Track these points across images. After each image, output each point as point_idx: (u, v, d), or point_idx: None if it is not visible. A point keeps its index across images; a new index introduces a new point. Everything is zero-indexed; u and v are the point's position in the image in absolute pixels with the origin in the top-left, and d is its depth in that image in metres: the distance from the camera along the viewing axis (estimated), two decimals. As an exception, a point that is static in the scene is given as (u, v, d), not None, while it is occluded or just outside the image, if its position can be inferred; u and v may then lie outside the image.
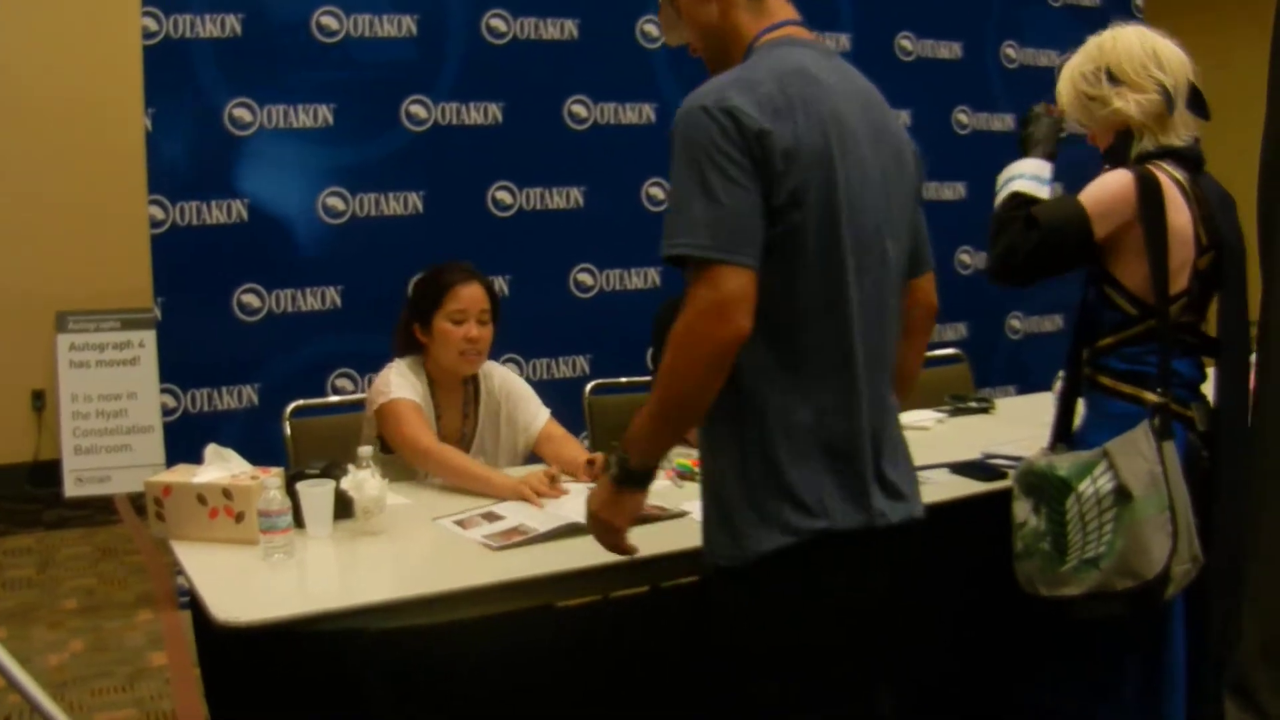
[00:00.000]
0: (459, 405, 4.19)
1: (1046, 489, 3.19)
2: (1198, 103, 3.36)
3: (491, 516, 3.53)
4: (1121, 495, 3.09)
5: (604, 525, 2.62)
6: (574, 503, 3.54)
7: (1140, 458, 3.11)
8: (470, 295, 4.06)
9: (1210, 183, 3.34)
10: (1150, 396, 3.21)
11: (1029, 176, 3.29)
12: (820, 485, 2.51)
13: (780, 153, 2.39)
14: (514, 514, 3.53)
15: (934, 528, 3.47)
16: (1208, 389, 3.32)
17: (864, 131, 2.57)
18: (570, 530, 3.30)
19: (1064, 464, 3.18)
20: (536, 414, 4.26)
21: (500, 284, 4.57)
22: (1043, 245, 3.15)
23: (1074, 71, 3.39)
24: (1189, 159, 3.32)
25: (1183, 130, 3.32)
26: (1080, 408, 3.42)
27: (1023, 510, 3.26)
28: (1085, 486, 3.12)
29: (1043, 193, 3.25)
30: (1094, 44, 3.39)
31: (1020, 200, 3.24)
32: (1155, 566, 3.08)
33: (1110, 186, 3.21)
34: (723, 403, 2.46)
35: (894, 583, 2.70)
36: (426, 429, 3.96)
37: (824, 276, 2.49)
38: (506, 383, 4.28)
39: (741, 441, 2.52)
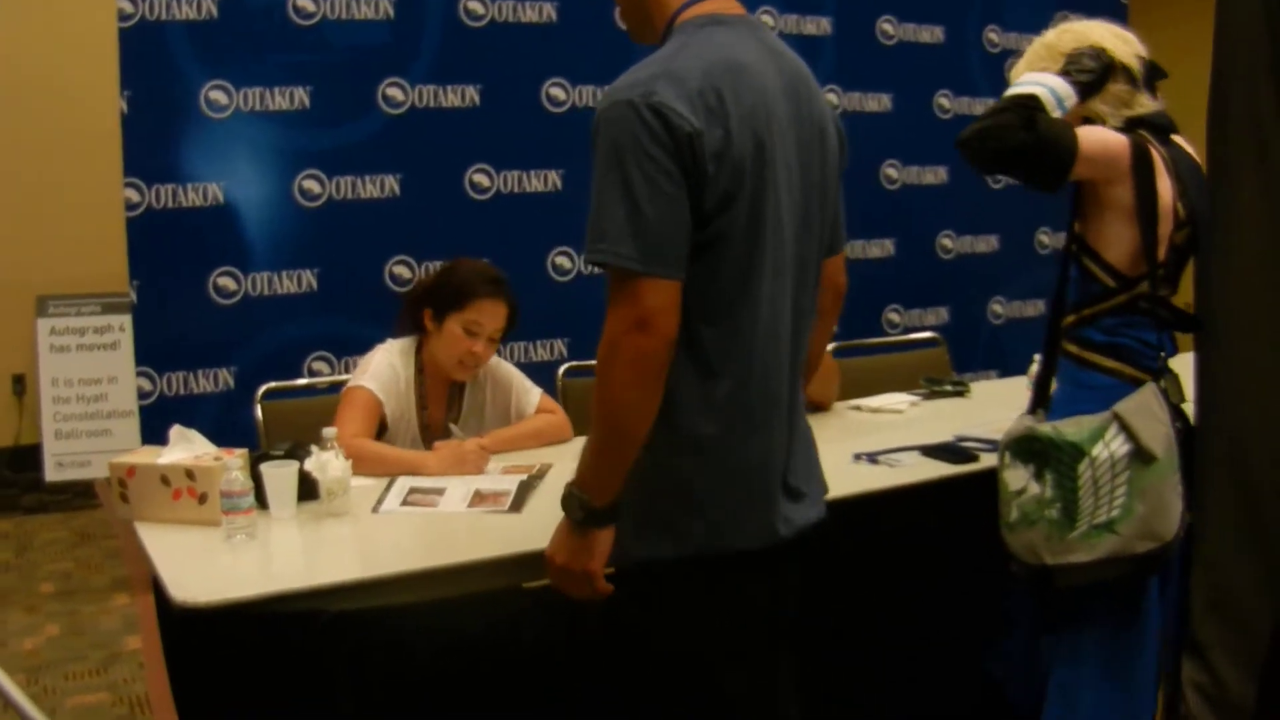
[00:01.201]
0: (444, 396, 4.18)
1: (1053, 454, 3.16)
2: (1153, 73, 3.37)
3: (435, 490, 3.54)
4: (1140, 458, 3.09)
5: (575, 575, 2.50)
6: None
7: (1157, 420, 3.13)
8: (493, 312, 4.04)
9: (1180, 152, 3.34)
10: (1128, 369, 3.23)
11: (1051, 90, 3.15)
12: (723, 500, 2.48)
13: (710, 156, 2.33)
14: (458, 484, 3.58)
15: (905, 509, 3.51)
16: (1176, 364, 3.32)
17: (790, 122, 2.52)
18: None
19: (1070, 429, 3.16)
20: (526, 397, 4.27)
21: (463, 258, 4.55)
22: (1025, 149, 3.07)
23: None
24: (1160, 127, 3.32)
25: (1147, 101, 3.32)
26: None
27: (1019, 477, 3.22)
28: (1099, 450, 3.11)
29: (1055, 113, 3.17)
30: (1041, 46, 3.39)
31: (1032, 102, 3.12)
32: (1174, 528, 3.12)
33: (1108, 139, 3.18)
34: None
35: (797, 587, 2.72)
36: (360, 423, 3.91)
37: (742, 281, 2.44)
38: (494, 371, 4.26)
39: (648, 446, 2.42)
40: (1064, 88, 3.16)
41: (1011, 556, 3.24)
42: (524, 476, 3.62)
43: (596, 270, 2.35)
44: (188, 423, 3.58)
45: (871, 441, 4.02)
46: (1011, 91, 3.19)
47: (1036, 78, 3.20)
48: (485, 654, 2.98)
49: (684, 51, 2.42)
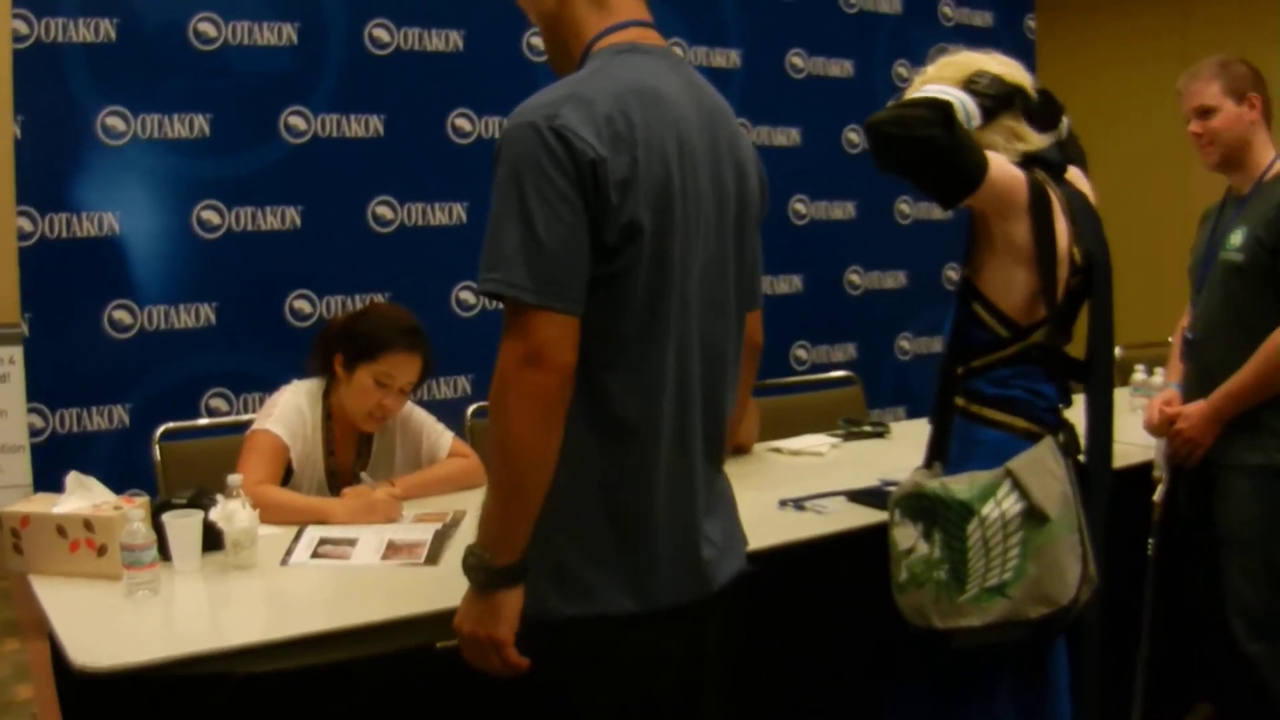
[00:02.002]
0: (353, 441, 4.02)
1: (941, 513, 3.01)
2: (1047, 106, 3.23)
3: (346, 541, 3.41)
4: (1033, 518, 2.94)
5: (484, 643, 2.33)
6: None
7: (1052, 477, 2.98)
8: (406, 367, 3.88)
9: (1073, 191, 3.21)
10: (1020, 422, 3.11)
11: (960, 103, 2.98)
12: (634, 555, 2.35)
13: (615, 185, 2.19)
14: (371, 534, 3.45)
15: (834, 557, 3.41)
16: (1071, 415, 3.22)
17: (707, 158, 2.40)
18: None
19: (960, 485, 3.01)
20: (438, 441, 4.12)
21: (379, 301, 4.46)
22: (939, 149, 2.89)
23: None
24: (1053, 164, 3.19)
25: (1038, 135, 3.18)
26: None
27: (908, 536, 3.07)
28: (989, 510, 2.95)
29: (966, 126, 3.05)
30: (921, 83, 3.18)
31: (946, 107, 2.94)
32: (1070, 591, 2.95)
33: (1010, 171, 3.03)
34: None
35: (719, 644, 2.59)
36: (265, 469, 3.74)
37: (647, 323, 2.30)
38: (404, 415, 4.10)
39: (555, 493, 2.26)
40: (971, 104, 3.01)
41: (902, 619, 3.12)
42: (439, 525, 3.49)
43: (499, 304, 2.23)
44: (81, 462, 3.47)
45: (795, 487, 3.92)
46: (919, 94, 3.04)
47: (943, 88, 3.04)
48: (403, 717, 2.85)
49: (596, 76, 2.31)
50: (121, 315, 5.38)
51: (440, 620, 2.77)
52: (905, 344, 7.78)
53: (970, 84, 3.05)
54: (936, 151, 2.90)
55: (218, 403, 5.58)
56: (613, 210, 2.20)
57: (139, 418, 5.34)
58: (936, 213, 7.83)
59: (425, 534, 3.40)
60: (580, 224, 2.18)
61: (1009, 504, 2.96)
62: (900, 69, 7.65)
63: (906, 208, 7.75)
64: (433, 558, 3.25)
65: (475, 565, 2.28)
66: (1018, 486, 2.96)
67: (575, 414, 2.26)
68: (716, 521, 2.51)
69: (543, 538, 2.29)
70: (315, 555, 3.30)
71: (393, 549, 3.30)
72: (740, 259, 2.52)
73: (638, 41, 2.42)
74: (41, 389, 5.30)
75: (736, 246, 2.50)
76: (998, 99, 3.07)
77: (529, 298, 2.14)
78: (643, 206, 2.23)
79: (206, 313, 5.57)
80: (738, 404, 2.66)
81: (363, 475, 3.87)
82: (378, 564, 3.23)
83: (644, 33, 2.45)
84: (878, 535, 3.25)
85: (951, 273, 7.87)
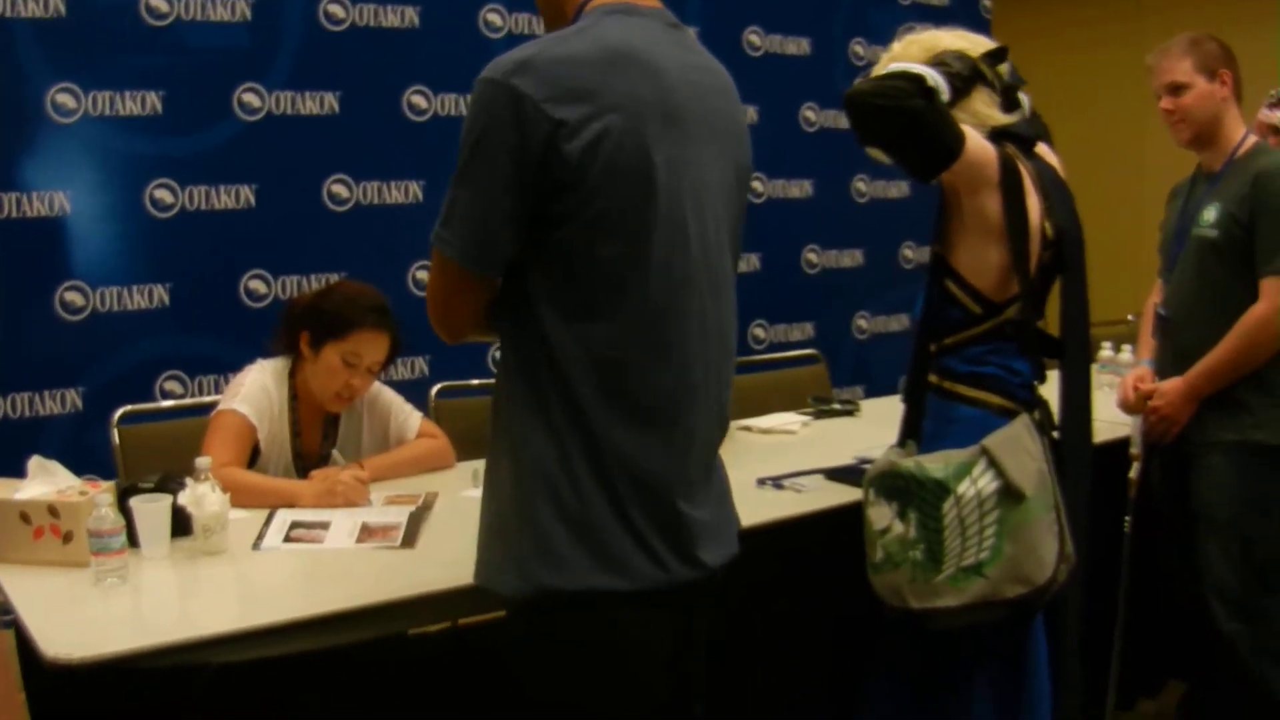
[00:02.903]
0: (319, 422, 3.94)
1: (916, 491, 2.97)
2: (1013, 81, 3.19)
3: (319, 524, 3.34)
4: (1009, 496, 2.91)
5: None
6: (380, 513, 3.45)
7: (1028, 455, 2.95)
8: (374, 346, 3.81)
9: (1044, 165, 3.18)
10: (995, 399, 3.07)
11: (933, 78, 2.94)
12: (620, 541, 2.29)
13: (575, 150, 2.14)
14: (344, 517, 3.39)
15: (814, 535, 3.36)
16: (1044, 391, 3.19)
17: (701, 127, 2.32)
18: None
19: (935, 464, 2.97)
20: (407, 421, 4.06)
21: (332, 281, 4.39)
22: (920, 119, 2.87)
23: None
24: (1023, 139, 3.16)
25: (999, 113, 3.14)
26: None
27: (883, 516, 3.03)
28: (965, 488, 2.92)
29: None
30: (888, 60, 3.16)
31: (920, 81, 2.92)
32: (1046, 570, 2.93)
33: (983, 144, 3.00)
34: (528, 424, 2.28)
35: (705, 629, 2.56)
36: (231, 450, 3.66)
37: (618, 287, 2.25)
38: (371, 395, 4.03)
39: (536, 467, 2.28)
40: (941, 81, 2.97)
41: (879, 600, 3.08)
42: (413, 508, 3.43)
43: None
44: (35, 447, 3.36)
45: (770, 465, 3.90)
46: (891, 69, 3.00)
47: (912, 65, 3.00)
48: (381, 706, 2.78)
49: (577, 35, 2.26)
50: (73, 297, 5.27)
51: (419, 605, 2.74)
52: (863, 323, 7.75)
53: (938, 61, 3.03)
54: (919, 122, 2.88)
55: (172, 385, 5.48)
56: (572, 175, 2.16)
57: (92, 402, 5.25)
58: (893, 191, 7.83)
59: (400, 516, 3.34)
60: (518, 190, 2.16)
61: (985, 482, 2.93)
62: (857, 47, 7.63)
63: (863, 186, 7.72)
64: (409, 540, 3.18)
65: None
66: (993, 465, 2.93)
67: (560, 385, 2.24)
68: (708, 504, 2.45)
69: (527, 513, 2.27)
70: (288, 539, 3.23)
71: (367, 532, 3.24)
72: (734, 232, 2.47)
73: (632, 2, 2.35)
74: (-8, 373, 5.18)
75: (731, 220, 2.45)
76: (966, 76, 3.04)
77: (448, 251, 2.24)
78: (611, 174, 2.17)
79: (160, 294, 5.47)
80: None
81: (334, 453, 3.78)
82: (352, 547, 3.16)
83: None
84: (858, 513, 3.21)
85: (909, 251, 7.87)
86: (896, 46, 3.19)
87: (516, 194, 2.15)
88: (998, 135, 3.10)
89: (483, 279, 2.27)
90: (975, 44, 3.15)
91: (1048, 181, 3.13)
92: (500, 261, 2.24)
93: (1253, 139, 3.97)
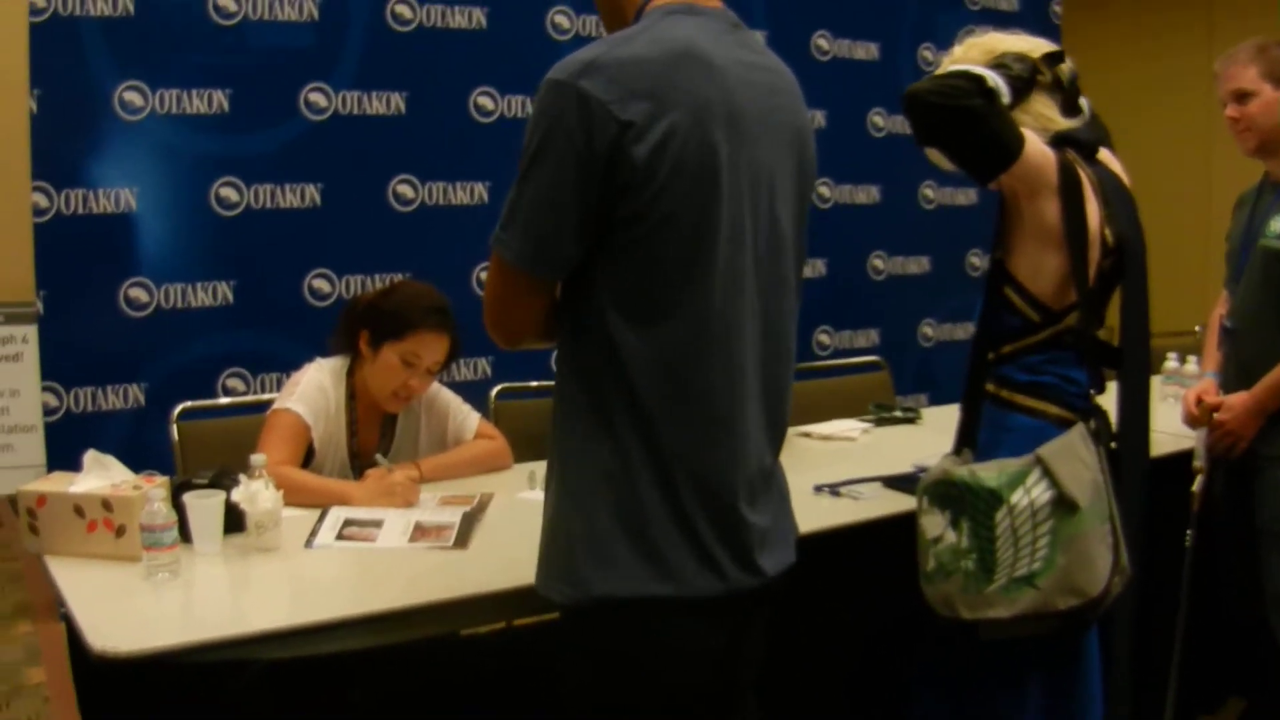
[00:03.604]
0: (377, 421, 3.95)
1: (970, 500, 2.93)
2: (1075, 86, 3.14)
3: (372, 523, 3.34)
4: (1062, 506, 2.86)
5: None
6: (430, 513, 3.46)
7: (1083, 465, 2.90)
8: (434, 345, 3.81)
9: (1106, 173, 3.12)
10: (1053, 409, 3.03)
11: (994, 78, 2.92)
12: (676, 547, 2.26)
13: (643, 151, 2.12)
14: (397, 516, 3.39)
15: (869, 543, 3.34)
16: (1103, 401, 3.14)
17: (763, 127, 2.31)
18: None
19: (989, 473, 2.93)
20: (465, 422, 4.06)
21: (393, 281, 4.39)
22: (980, 118, 2.85)
23: None
24: (1084, 144, 3.11)
25: (1060, 117, 3.10)
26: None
27: (936, 524, 3.00)
28: (1018, 498, 2.87)
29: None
30: (949, 63, 3.11)
31: (981, 81, 2.90)
32: (1099, 582, 2.87)
33: (1043, 148, 2.97)
34: (589, 428, 2.27)
35: (762, 635, 2.55)
36: (286, 449, 3.68)
37: (683, 291, 2.23)
38: (429, 395, 4.03)
39: (595, 471, 2.27)
40: (1001, 83, 2.94)
41: (930, 609, 3.05)
42: (466, 508, 3.42)
43: None
44: (96, 442, 3.37)
45: (828, 472, 3.87)
46: (954, 69, 2.97)
47: (972, 66, 2.97)
48: (430, 706, 2.77)
49: (640, 35, 2.24)
50: (138, 293, 5.30)
51: (469, 606, 2.73)
52: (928, 330, 7.70)
53: (998, 63, 2.99)
54: (979, 122, 2.85)
55: (234, 383, 5.51)
56: (641, 174, 2.13)
57: (154, 398, 5.27)
58: (961, 198, 7.77)
59: (453, 516, 3.33)
60: (585, 192, 2.14)
61: (1038, 492, 2.88)
62: (925, 52, 7.58)
63: (931, 193, 7.67)
64: (461, 541, 3.17)
65: None
66: (1047, 474, 2.88)
67: (623, 389, 2.22)
68: (766, 510, 2.42)
69: (585, 518, 2.26)
70: (340, 537, 3.23)
71: (420, 531, 3.24)
72: (798, 234, 2.44)
73: (694, 3, 2.33)
74: (56, 368, 5.23)
75: (795, 221, 2.42)
76: (1026, 78, 3.00)
77: (508, 255, 2.21)
78: (678, 174, 2.16)
79: (224, 291, 5.49)
80: None
81: (378, 457, 3.78)
82: (405, 547, 3.16)
83: None
84: (914, 522, 3.18)
85: (975, 259, 7.81)
86: (958, 50, 3.15)
87: (580, 196, 2.13)
88: (1058, 140, 3.06)
89: (542, 282, 2.25)
90: (1036, 47, 3.10)
91: (1109, 188, 3.08)
92: (561, 265, 2.22)
93: None
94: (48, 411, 5.17)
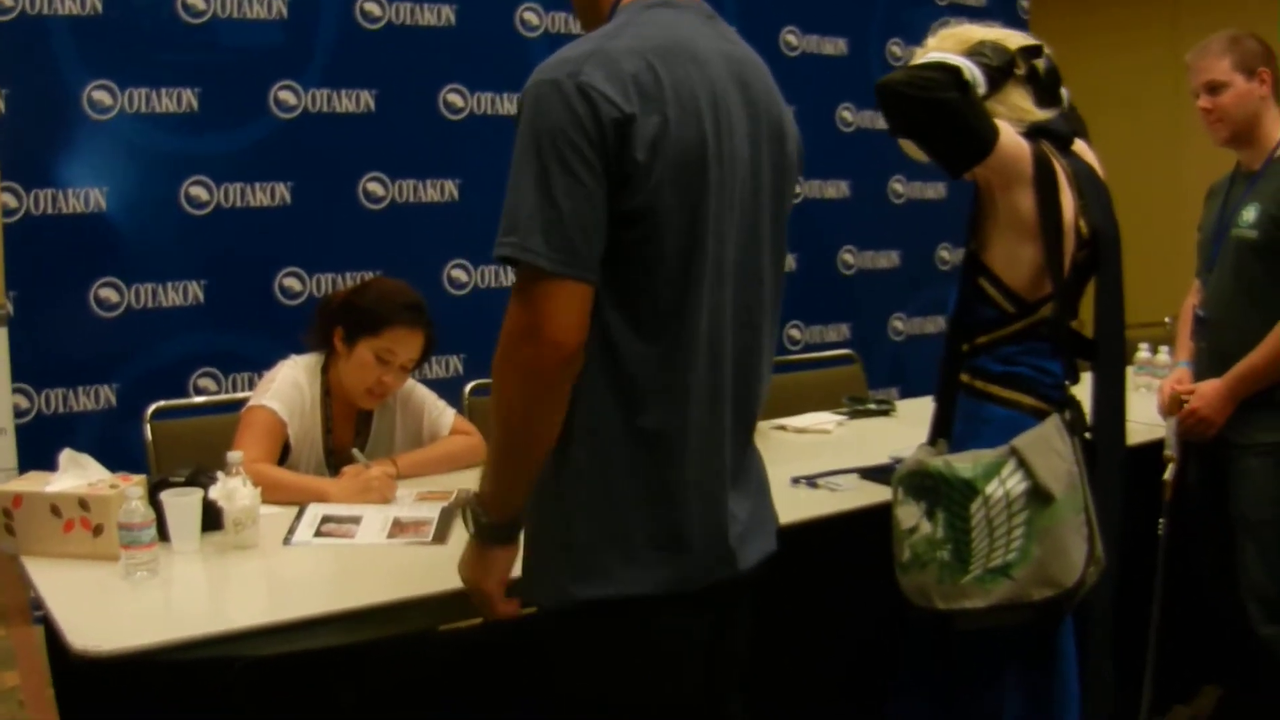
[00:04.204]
0: (351, 419, 3.93)
1: (944, 491, 2.93)
2: (1051, 77, 3.14)
3: (350, 519, 3.32)
4: (1037, 497, 2.87)
5: (475, 594, 2.35)
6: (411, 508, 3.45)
7: (1058, 456, 2.92)
8: (408, 341, 3.78)
9: (1080, 164, 3.13)
10: (1027, 399, 3.03)
11: (969, 68, 2.90)
12: (654, 542, 2.26)
13: (643, 144, 2.10)
14: (375, 512, 3.37)
15: (846, 535, 3.34)
16: (1077, 392, 3.15)
17: (743, 120, 2.29)
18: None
19: (964, 464, 2.93)
20: (439, 418, 4.04)
21: (381, 276, 4.39)
22: (954, 110, 2.83)
23: None
24: (1060, 136, 3.12)
25: (1035, 109, 3.10)
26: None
27: (911, 514, 2.99)
28: (993, 488, 2.88)
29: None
30: (923, 53, 3.10)
31: (955, 72, 2.88)
32: (1074, 573, 2.89)
33: (1017, 140, 2.96)
34: (570, 426, 2.21)
35: (746, 625, 2.56)
36: (261, 446, 3.65)
37: (679, 291, 2.20)
38: (405, 391, 4.01)
39: (571, 471, 2.23)
40: (977, 72, 2.92)
41: (906, 600, 3.05)
42: (444, 503, 3.40)
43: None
44: (68, 443, 3.34)
45: (805, 464, 3.87)
46: (927, 59, 2.95)
47: (948, 55, 2.95)
48: (409, 702, 2.76)
49: (624, 31, 2.21)
50: (108, 294, 5.29)
51: (448, 601, 2.72)
52: (899, 324, 7.73)
53: (974, 52, 2.98)
54: (952, 114, 2.85)
55: (206, 382, 5.50)
56: (641, 171, 2.11)
57: (126, 398, 5.27)
58: (930, 192, 7.80)
59: (431, 512, 3.32)
60: (600, 189, 2.10)
61: (1013, 483, 2.89)
62: (894, 47, 7.62)
63: (900, 187, 7.70)
64: (440, 536, 3.17)
65: (471, 518, 2.30)
66: (1023, 465, 2.89)
67: (595, 386, 2.19)
68: (744, 499, 2.42)
69: (559, 519, 2.24)
70: (319, 534, 3.22)
71: (398, 527, 3.22)
72: (777, 226, 2.43)
73: None
74: (27, 369, 5.21)
75: (774, 212, 2.41)
76: (1001, 68, 2.99)
77: (546, 264, 2.06)
78: (673, 168, 2.14)
79: (195, 291, 5.49)
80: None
81: (355, 453, 3.76)
82: (383, 543, 3.15)
83: None
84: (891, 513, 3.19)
85: (945, 253, 7.85)
86: (931, 41, 3.13)
87: (596, 187, 2.10)
88: (1033, 132, 3.06)
89: (580, 284, 2.10)
90: (1010, 38, 3.10)
91: (1083, 179, 3.09)
92: (596, 262, 2.13)
93: None
94: (19, 413, 5.15)
